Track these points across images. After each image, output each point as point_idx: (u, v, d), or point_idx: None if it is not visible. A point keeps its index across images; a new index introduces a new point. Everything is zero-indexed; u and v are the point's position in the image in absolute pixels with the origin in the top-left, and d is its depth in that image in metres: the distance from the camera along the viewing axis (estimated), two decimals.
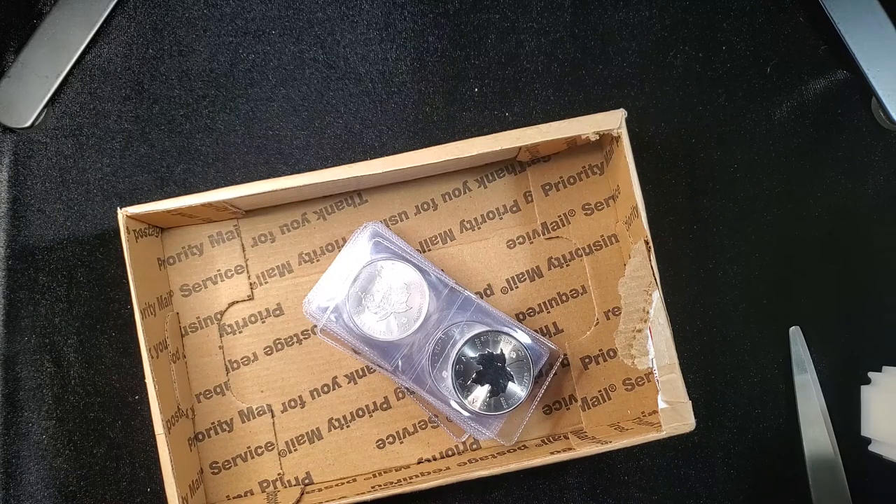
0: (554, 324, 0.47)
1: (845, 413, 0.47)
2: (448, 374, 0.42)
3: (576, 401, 0.46)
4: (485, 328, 0.43)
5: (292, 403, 0.46)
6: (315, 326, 0.45)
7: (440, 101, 0.49)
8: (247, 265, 0.46)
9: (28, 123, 0.47)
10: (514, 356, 0.43)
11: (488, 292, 0.47)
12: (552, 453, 0.41)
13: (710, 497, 0.47)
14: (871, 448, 0.46)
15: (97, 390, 0.46)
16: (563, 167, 0.47)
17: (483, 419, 0.43)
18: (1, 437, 0.46)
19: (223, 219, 0.46)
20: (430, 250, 0.47)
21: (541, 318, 0.47)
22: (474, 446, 0.46)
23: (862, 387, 0.47)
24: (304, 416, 0.46)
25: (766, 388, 0.48)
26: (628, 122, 0.41)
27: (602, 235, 0.47)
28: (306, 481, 0.46)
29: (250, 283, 0.46)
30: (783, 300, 0.48)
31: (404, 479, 0.43)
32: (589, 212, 0.47)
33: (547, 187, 0.47)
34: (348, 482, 0.45)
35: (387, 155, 0.41)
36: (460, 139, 0.41)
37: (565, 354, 0.46)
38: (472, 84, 0.49)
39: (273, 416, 0.46)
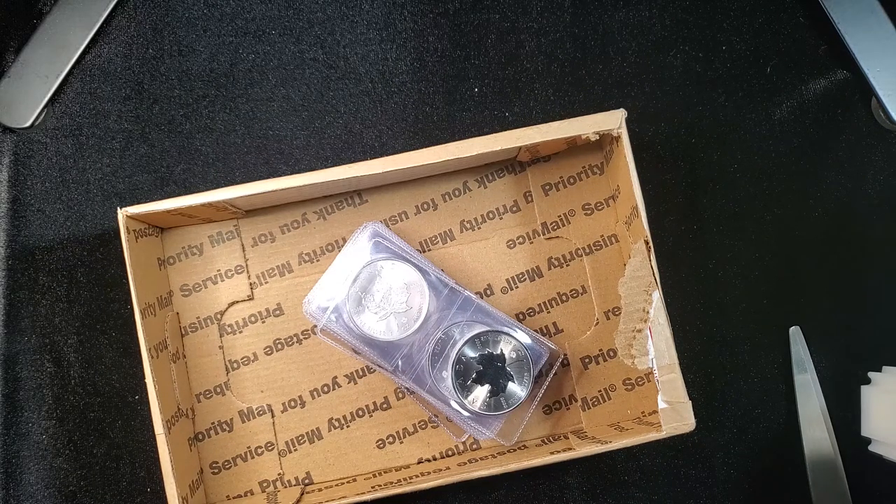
0: (554, 324, 0.47)
1: (845, 413, 0.47)
2: (448, 374, 0.42)
3: (576, 401, 0.46)
4: (485, 328, 0.43)
5: (292, 403, 0.46)
6: (315, 326, 0.45)
7: (440, 101, 0.49)
8: (247, 265, 0.46)
9: (28, 123, 0.47)
10: (514, 356, 0.43)
11: (488, 292, 0.47)
12: (552, 453, 0.41)
13: (710, 497, 0.47)
14: (871, 448, 0.46)
15: (97, 390, 0.46)
16: (563, 167, 0.47)
17: (483, 419, 0.43)
18: (1, 437, 0.46)
19: (223, 219, 0.46)
20: (430, 250, 0.47)
21: (541, 318, 0.47)
22: (474, 446, 0.46)
23: (862, 387, 0.47)
24: (304, 416, 0.46)
25: (766, 388, 0.48)
26: (628, 122, 0.41)
27: (602, 235, 0.47)
28: (306, 481, 0.46)
29: (250, 283, 0.46)
30: (783, 300, 0.48)
31: (404, 479, 0.43)
32: (589, 212, 0.47)
33: (547, 187, 0.47)
34: (348, 482, 0.45)
35: (387, 155, 0.41)
36: (460, 139, 0.41)
37: (565, 354, 0.46)
38: (472, 84, 0.49)
39: (273, 416, 0.46)
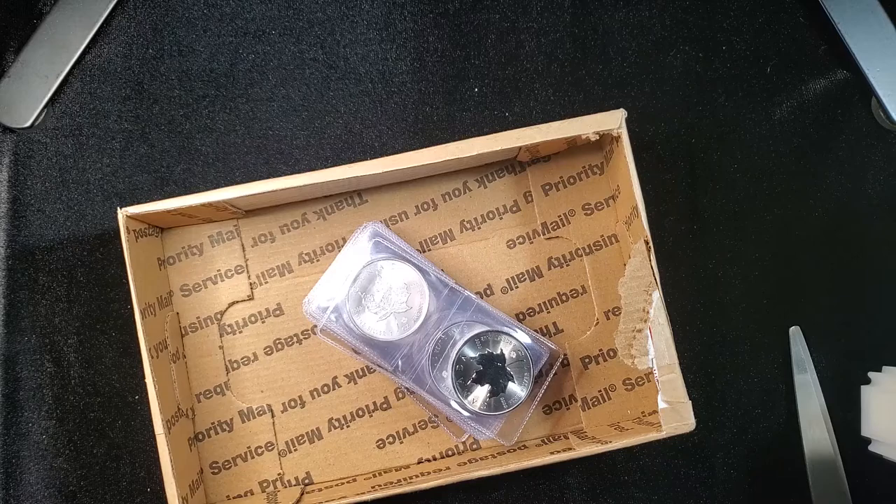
0: (554, 324, 0.47)
1: (845, 413, 0.47)
2: (448, 374, 0.42)
3: (576, 401, 0.46)
4: (485, 328, 0.43)
5: (292, 403, 0.46)
6: (315, 326, 0.45)
7: (440, 101, 0.49)
8: (247, 265, 0.46)
9: (28, 123, 0.47)
10: (514, 356, 0.43)
11: (488, 292, 0.47)
12: (552, 453, 0.41)
13: (710, 497, 0.47)
14: (871, 448, 0.46)
15: (97, 390, 0.46)
16: (563, 167, 0.47)
17: (483, 419, 0.43)
18: (1, 437, 0.46)
19: (223, 219, 0.46)
20: (430, 250, 0.47)
21: (541, 318, 0.47)
22: (474, 446, 0.46)
23: (862, 387, 0.47)
24: (304, 416, 0.46)
25: (766, 388, 0.48)
26: (628, 122, 0.41)
27: (602, 235, 0.47)
28: (306, 481, 0.46)
29: (250, 283, 0.46)
30: (783, 300, 0.48)
31: (404, 479, 0.43)
32: (589, 212, 0.47)
33: (547, 187, 0.47)
34: (348, 482, 0.45)
35: (387, 155, 0.41)
36: (460, 139, 0.41)
37: (565, 354, 0.46)
38: (472, 84, 0.49)
39: (273, 416, 0.46)
